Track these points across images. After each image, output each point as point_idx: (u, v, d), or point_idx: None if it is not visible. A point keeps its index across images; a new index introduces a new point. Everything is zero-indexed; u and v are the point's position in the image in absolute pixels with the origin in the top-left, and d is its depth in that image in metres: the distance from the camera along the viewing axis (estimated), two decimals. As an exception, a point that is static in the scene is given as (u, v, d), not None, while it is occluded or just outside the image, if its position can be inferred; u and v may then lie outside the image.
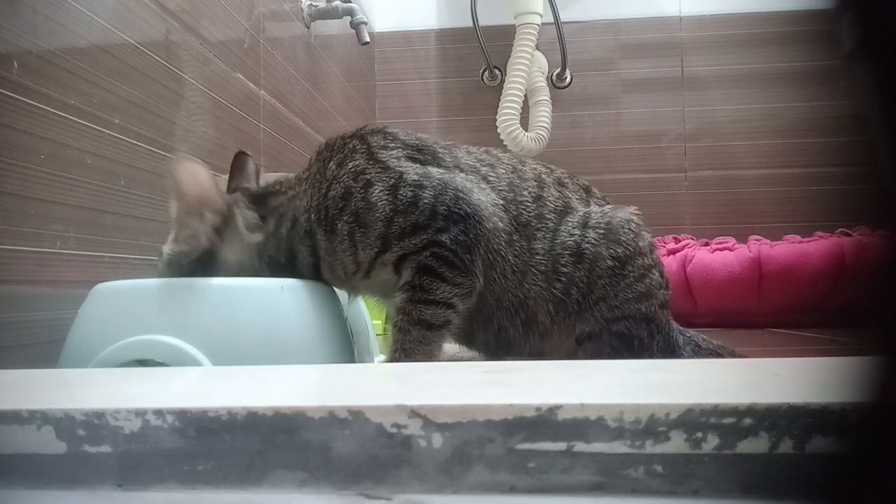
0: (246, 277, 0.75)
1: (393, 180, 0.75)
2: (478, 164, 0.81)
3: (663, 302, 0.82)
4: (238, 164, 0.82)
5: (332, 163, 0.78)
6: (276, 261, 0.78)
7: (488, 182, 0.79)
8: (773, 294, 1.59)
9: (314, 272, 0.79)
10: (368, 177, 0.75)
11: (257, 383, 0.47)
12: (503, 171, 0.81)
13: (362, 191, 0.75)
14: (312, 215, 0.77)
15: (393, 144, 0.78)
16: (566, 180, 0.84)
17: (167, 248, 0.77)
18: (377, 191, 0.75)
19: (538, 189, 0.81)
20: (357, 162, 0.77)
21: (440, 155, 0.80)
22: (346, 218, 0.75)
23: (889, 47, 0.25)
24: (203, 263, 0.75)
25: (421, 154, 0.79)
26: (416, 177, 0.75)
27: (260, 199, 0.80)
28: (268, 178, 0.85)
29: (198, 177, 0.74)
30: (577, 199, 0.83)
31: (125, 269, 0.87)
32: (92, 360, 0.65)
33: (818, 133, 2.05)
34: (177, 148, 1.00)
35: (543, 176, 0.83)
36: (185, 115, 1.04)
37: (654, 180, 2.14)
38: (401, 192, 0.74)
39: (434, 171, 0.77)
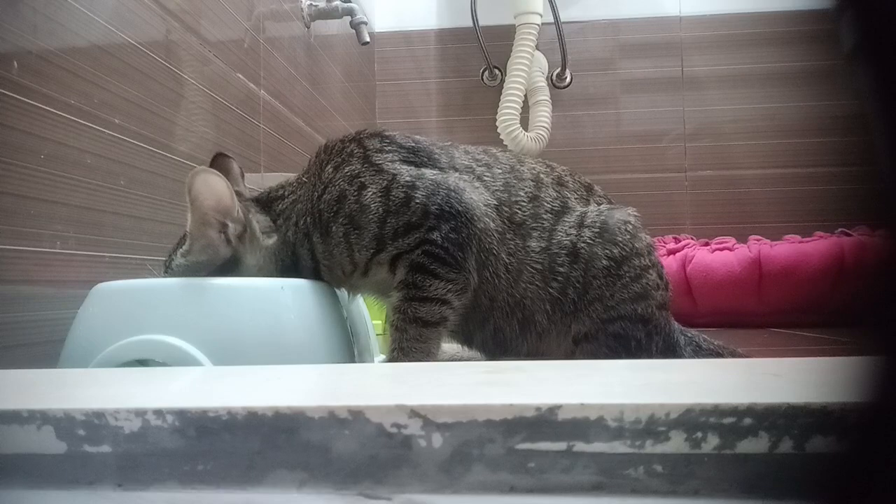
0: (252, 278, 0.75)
1: (386, 182, 0.76)
2: (473, 164, 0.81)
3: (661, 303, 0.82)
4: (220, 167, 0.81)
5: (329, 166, 0.79)
6: (287, 264, 0.79)
7: (482, 182, 0.80)
8: (773, 294, 1.59)
9: (315, 274, 0.79)
10: (363, 180, 0.76)
11: (257, 383, 0.47)
12: (499, 171, 0.82)
13: (356, 193, 0.76)
14: (308, 219, 0.78)
15: (389, 148, 0.79)
16: (567, 179, 0.84)
17: (182, 259, 0.75)
18: (370, 193, 0.76)
19: (535, 189, 0.81)
20: (353, 166, 0.78)
21: (436, 156, 0.80)
22: (340, 220, 0.76)
23: (889, 47, 0.25)
24: (223, 272, 0.75)
25: (416, 156, 0.79)
26: (408, 178, 0.76)
27: (266, 205, 0.81)
28: (269, 179, 0.85)
29: (214, 186, 0.73)
30: (576, 198, 0.83)
31: (125, 269, 0.87)
32: (92, 360, 0.64)
33: (818, 133, 2.05)
34: (176, 150, 1.00)
35: (542, 176, 0.83)
36: (185, 115, 1.04)
37: (654, 180, 2.14)
38: (393, 194, 0.75)
39: (428, 172, 0.77)
